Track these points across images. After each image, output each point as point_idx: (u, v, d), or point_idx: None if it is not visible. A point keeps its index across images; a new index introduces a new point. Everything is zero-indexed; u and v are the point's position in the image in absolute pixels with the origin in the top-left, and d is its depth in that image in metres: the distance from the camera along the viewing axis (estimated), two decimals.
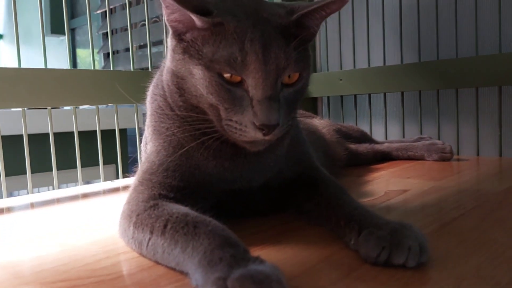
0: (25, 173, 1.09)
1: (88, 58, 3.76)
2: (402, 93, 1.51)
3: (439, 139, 1.42)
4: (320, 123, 1.20)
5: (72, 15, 4.23)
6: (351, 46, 1.63)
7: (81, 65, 3.83)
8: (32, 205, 0.97)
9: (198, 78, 0.57)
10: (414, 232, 0.51)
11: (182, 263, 0.49)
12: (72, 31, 4.62)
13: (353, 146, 1.26)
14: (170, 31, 0.61)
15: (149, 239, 0.54)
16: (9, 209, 0.93)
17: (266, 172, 0.69)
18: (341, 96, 1.68)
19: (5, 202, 1.00)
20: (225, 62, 0.55)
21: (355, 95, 1.63)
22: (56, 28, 4.25)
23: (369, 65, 1.58)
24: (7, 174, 1.06)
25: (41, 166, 1.33)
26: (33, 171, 1.12)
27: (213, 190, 0.65)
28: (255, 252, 0.53)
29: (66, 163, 1.39)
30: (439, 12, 1.39)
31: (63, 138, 1.43)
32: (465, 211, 0.73)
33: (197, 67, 0.57)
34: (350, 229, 0.56)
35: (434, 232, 0.63)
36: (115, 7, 2.98)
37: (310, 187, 0.69)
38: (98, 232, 0.70)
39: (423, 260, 0.50)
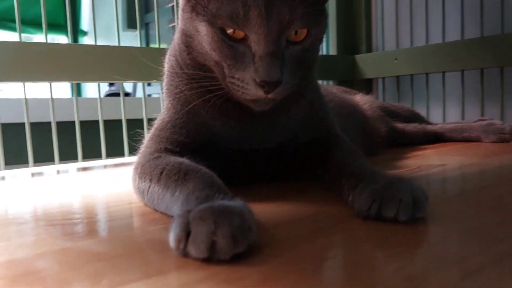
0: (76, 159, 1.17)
1: None
2: (463, 72, 1.40)
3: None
4: (363, 98, 1.15)
5: (146, 9, 4.44)
6: (408, 23, 1.54)
7: None
8: (81, 169, 1.04)
9: (203, 34, 0.57)
10: (409, 186, 0.47)
11: (170, 207, 0.50)
12: (146, 25, 4.85)
13: (400, 125, 1.20)
14: None
15: (149, 187, 0.56)
16: (58, 171, 1.01)
17: (278, 135, 0.67)
18: (397, 77, 1.60)
19: (56, 167, 1.08)
20: (227, 17, 0.54)
21: (411, 75, 1.55)
22: (132, 23, 4.47)
23: (427, 42, 1.49)
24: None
25: (92, 152, 1.37)
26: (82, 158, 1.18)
27: (221, 149, 0.65)
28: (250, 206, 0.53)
29: (113, 151, 1.41)
30: None
31: (111, 126, 1.47)
32: (496, 182, 0.66)
33: (201, 24, 0.57)
34: (349, 185, 0.54)
35: (451, 197, 0.58)
36: None
37: (325, 153, 0.67)
38: (119, 188, 0.74)
39: (418, 215, 0.46)
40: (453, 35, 1.43)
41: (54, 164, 1.13)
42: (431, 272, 0.33)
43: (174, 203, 0.49)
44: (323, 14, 0.61)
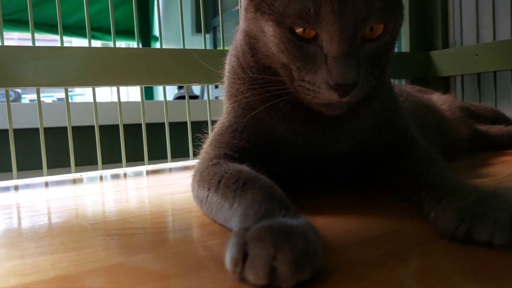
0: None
1: None
2: None
3: None
4: (440, 98, 1.06)
5: (214, 13, 4.51)
6: (490, 14, 1.40)
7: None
8: (148, 172, 1.04)
9: (269, 35, 0.53)
10: (505, 203, 0.40)
11: (229, 219, 0.46)
12: (214, 29, 4.92)
13: (483, 127, 1.09)
14: None
15: (207, 196, 0.53)
16: (125, 175, 1.02)
17: (347, 140, 0.61)
18: (478, 74, 1.47)
19: (123, 170, 1.10)
20: (296, 15, 0.49)
21: (494, 72, 1.41)
22: (200, 27, 4.59)
23: None
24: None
25: (135, 155, 1.37)
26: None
27: (284, 155, 0.60)
28: (315, 219, 0.48)
29: (158, 154, 1.41)
30: None
31: (180, 128, 1.47)
32: None
33: (268, 24, 0.53)
34: (430, 199, 0.47)
35: None
36: None
37: (399, 159, 0.60)
38: (180, 194, 0.72)
39: None
40: None
41: (120, 166, 1.14)
42: None
43: (233, 215, 0.45)
44: (400, 5, 0.55)
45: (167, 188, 0.82)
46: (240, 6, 0.62)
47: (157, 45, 6.11)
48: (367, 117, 0.62)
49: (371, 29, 0.51)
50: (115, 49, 1.11)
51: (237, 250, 0.34)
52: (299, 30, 0.50)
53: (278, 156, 0.60)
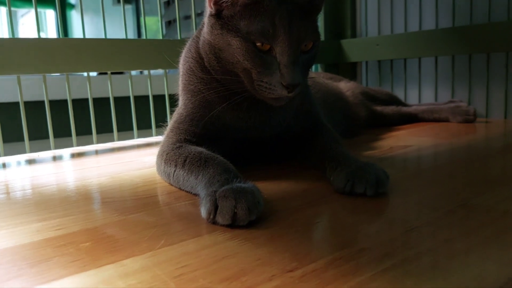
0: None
1: (154, 26, 3.98)
2: (436, 58, 1.56)
3: (469, 103, 1.47)
4: (346, 85, 1.31)
5: None
6: (389, 11, 1.68)
7: (148, 32, 4.06)
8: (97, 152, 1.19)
9: (235, 47, 0.69)
10: (373, 169, 0.63)
11: (195, 187, 0.65)
12: (137, 0, 4.88)
13: (379, 108, 1.36)
14: (209, 13, 0.73)
15: (174, 171, 0.71)
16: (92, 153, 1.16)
17: (275, 126, 0.81)
18: (379, 61, 1.75)
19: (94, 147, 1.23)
20: (259, 33, 0.67)
21: (391, 60, 1.70)
22: None
23: (405, 30, 1.64)
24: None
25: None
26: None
27: (230, 137, 0.80)
28: (257, 183, 0.68)
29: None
30: None
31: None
32: (443, 162, 0.83)
33: (235, 39, 0.69)
34: (330, 168, 0.70)
35: (407, 176, 0.74)
36: None
37: (312, 139, 0.83)
38: (144, 170, 0.89)
39: (381, 190, 0.62)
40: (428, 25, 1.58)
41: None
42: (382, 229, 0.50)
43: (198, 184, 0.64)
44: (318, 30, 0.76)
45: (123, 167, 0.98)
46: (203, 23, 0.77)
47: (72, 13, 5.87)
48: (290, 109, 0.83)
49: (305, 45, 0.71)
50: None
51: (211, 204, 0.54)
52: (259, 44, 0.68)
53: (225, 137, 0.80)
